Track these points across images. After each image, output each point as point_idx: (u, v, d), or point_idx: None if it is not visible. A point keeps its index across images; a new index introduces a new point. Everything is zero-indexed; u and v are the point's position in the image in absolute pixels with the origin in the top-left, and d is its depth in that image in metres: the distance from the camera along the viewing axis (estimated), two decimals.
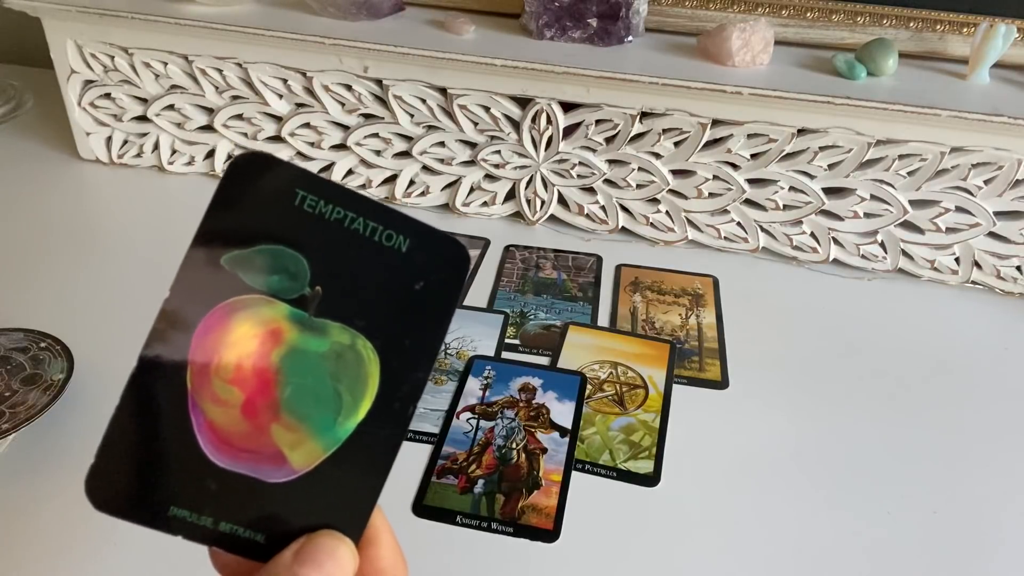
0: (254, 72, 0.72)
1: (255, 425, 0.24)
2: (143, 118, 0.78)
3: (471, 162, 0.73)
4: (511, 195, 0.74)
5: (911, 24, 0.71)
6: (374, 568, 0.24)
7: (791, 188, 0.67)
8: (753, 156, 0.67)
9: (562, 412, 0.53)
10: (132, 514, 0.23)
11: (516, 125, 0.70)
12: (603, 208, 0.73)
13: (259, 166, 0.24)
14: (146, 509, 0.23)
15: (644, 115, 0.67)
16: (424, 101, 0.70)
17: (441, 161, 0.73)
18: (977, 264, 0.68)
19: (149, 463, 0.23)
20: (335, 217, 0.24)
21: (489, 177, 0.74)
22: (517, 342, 0.60)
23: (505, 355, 0.59)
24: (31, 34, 0.80)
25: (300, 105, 0.74)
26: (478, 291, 0.66)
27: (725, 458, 0.51)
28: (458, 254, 0.25)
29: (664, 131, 0.67)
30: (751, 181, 0.68)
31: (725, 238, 0.72)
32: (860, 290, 0.68)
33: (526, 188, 0.73)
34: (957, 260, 0.68)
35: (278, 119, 0.75)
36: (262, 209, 0.24)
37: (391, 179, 0.76)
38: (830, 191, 0.67)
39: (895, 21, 0.71)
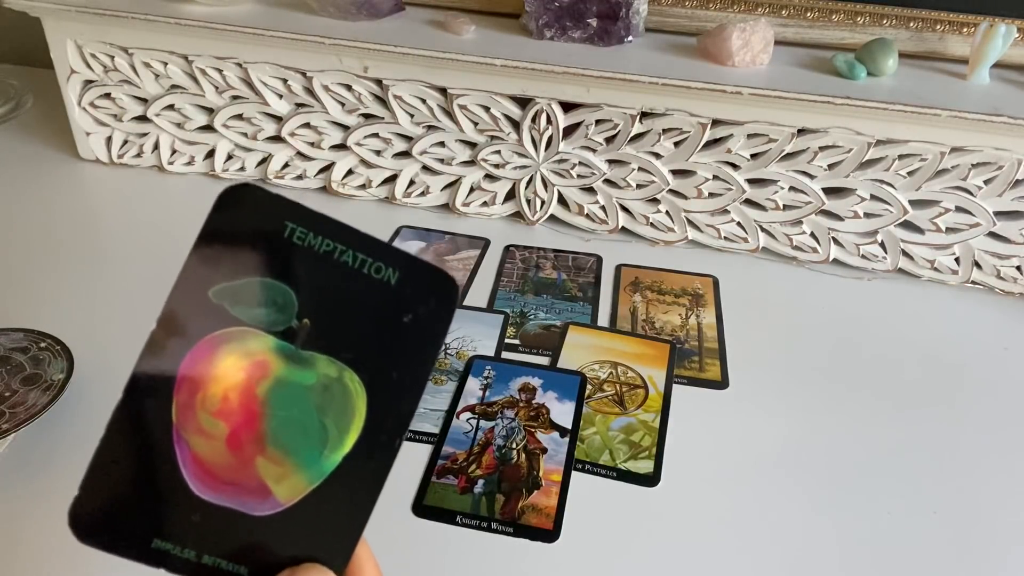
0: (254, 72, 0.72)
1: (240, 458, 0.24)
2: (143, 118, 0.78)
3: (471, 162, 0.73)
4: (511, 195, 0.74)
5: (911, 24, 0.71)
6: None
7: (791, 188, 0.67)
8: (753, 156, 0.67)
9: (562, 412, 0.53)
10: (116, 547, 0.23)
11: (516, 125, 0.70)
12: (603, 208, 0.73)
13: (248, 197, 0.24)
14: (130, 542, 0.23)
15: (644, 115, 0.67)
16: (424, 101, 0.70)
17: (441, 161, 0.73)
18: (977, 264, 0.68)
19: (133, 496, 0.23)
20: (324, 249, 0.24)
21: (489, 177, 0.74)
22: (517, 342, 0.60)
23: (505, 355, 0.59)
24: (31, 34, 0.80)
25: (300, 105, 0.74)
26: (478, 291, 0.66)
27: (725, 458, 0.51)
28: (447, 287, 0.25)
29: (664, 131, 0.67)
30: (751, 181, 0.68)
31: (725, 238, 0.72)
32: (860, 290, 0.68)
33: (526, 188, 0.73)
34: (957, 260, 0.68)
35: (278, 119, 0.75)
36: (251, 241, 0.24)
37: (391, 179, 0.76)
38: (830, 191, 0.67)
39: (895, 21, 0.71)
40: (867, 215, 0.67)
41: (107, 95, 0.77)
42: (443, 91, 0.69)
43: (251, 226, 0.24)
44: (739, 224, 0.71)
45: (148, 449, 0.23)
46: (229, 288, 0.24)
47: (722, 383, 0.57)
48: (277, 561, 0.24)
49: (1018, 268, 0.67)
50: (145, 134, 0.79)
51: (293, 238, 0.24)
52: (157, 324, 0.23)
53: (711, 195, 0.69)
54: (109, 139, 0.80)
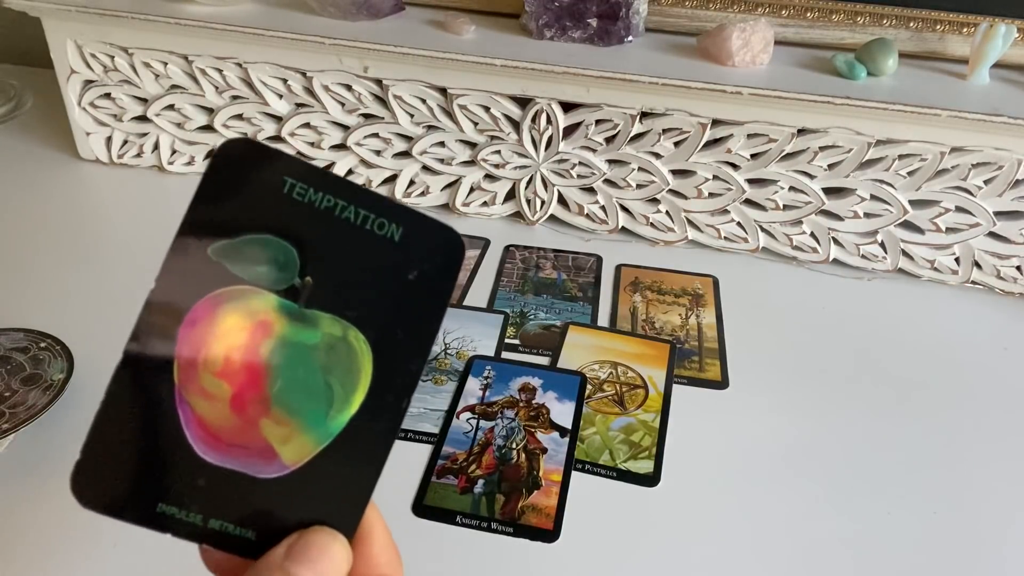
0: (254, 72, 0.72)
1: (244, 420, 0.23)
2: (143, 118, 0.78)
3: (471, 162, 0.73)
4: (511, 195, 0.74)
5: (911, 24, 0.71)
6: (368, 564, 0.24)
7: (791, 188, 0.67)
8: (753, 156, 0.67)
9: (562, 412, 0.53)
10: (119, 511, 0.22)
11: (516, 125, 0.70)
12: (603, 208, 0.73)
13: (246, 153, 0.23)
14: (133, 506, 0.23)
15: (644, 115, 0.67)
16: (424, 101, 0.70)
17: (441, 161, 0.73)
18: (977, 264, 0.68)
19: (136, 459, 0.23)
20: (325, 205, 0.23)
21: (489, 177, 0.74)
22: (517, 342, 0.60)
23: (505, 355, 0.59)
24: (31, 34, 0.80)
25: (300, 105, 0.74)
26: (478, 291, 0.66)
27: (725, 458, 0.51)
28: (452, 242, 0.24)
29: (664, 131, 0.67)
30: (751, 181, 0.68)
31: (725, 238, 0.72)
32: (860, 290, 0.68)
33: (526, 188, 0.73)
34: (957, 260, 0.68)
35: (278, 119, 0.75)
36: (249, 198, 0.23)
37: (391, 179, 0.76)
38: (830, 191, 0.67)
39: (895, 21, 0.71)
40: (867, 215, 0.67)
41: (107, 95, 0.77)
42: (443, 91, 0.69)
43: (250, 182, 0.23)
44: (739, 224, 0.71)
45: (150, 411, 0.23)
46: (228, 246, 0.23)
47: (722, 383, 0.57)
48: (284, 525, 0.23)
49: (1018, 268, 0.67)
50: (145, 134, 0.79)
51: (293, 194, 0.23)
52: (156, 284, 0.23)
53: (711, 195, 0.69)
54: (109, 139, 0.80)
